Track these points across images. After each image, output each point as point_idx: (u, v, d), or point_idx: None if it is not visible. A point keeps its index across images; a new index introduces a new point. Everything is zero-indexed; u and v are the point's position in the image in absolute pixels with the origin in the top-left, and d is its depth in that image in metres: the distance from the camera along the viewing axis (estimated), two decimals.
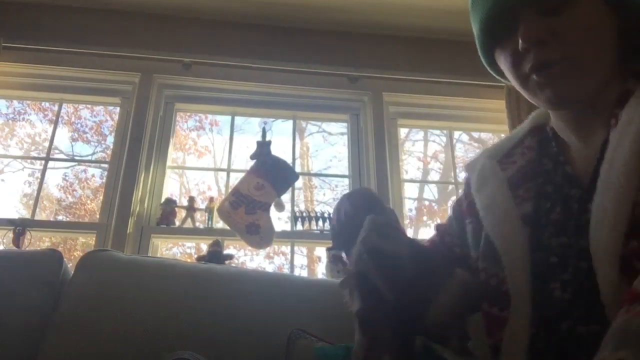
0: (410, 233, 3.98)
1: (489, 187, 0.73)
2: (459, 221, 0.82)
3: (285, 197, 2.05)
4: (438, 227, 0.90)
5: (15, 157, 4.07)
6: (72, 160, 4.40)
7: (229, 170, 2.29)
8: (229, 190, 2.01)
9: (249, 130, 2.79)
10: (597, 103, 0.65)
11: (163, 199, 2.04)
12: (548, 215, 0.65)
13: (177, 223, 1.99)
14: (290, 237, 2.08)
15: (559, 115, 0.71)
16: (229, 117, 2.37)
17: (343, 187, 3.60)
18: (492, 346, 0.66)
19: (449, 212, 0.88)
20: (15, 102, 3.51)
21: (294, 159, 2.29)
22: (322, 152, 4.05)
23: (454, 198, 3.41)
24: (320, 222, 2.06)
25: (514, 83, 0.70)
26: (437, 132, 3.67)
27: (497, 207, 0.70)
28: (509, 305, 0.63)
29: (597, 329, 0.52)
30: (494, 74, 0.78)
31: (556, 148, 0.71)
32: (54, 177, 4.28)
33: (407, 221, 2.53)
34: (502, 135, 2.53)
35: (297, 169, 2.34)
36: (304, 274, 4.42)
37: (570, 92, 0.63)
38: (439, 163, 4.53)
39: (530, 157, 0.73)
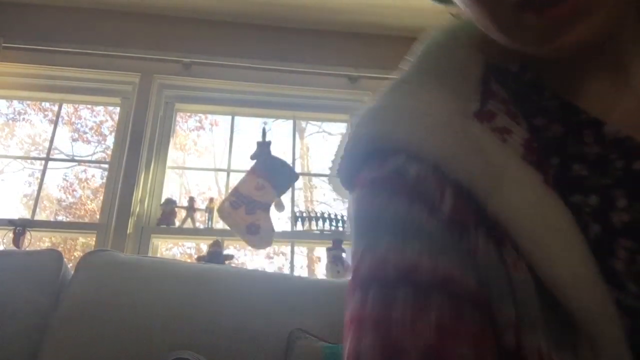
0: None
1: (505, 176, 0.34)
2: (452, 232, 0.35)
3: (285, 197, 2.05)
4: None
5: (15, 157, 4.07)
6: (72, 160, 4.39)
7: (229, 170, 2.29)
8: (229, 190, 2.02)
9: (249, 130, 2.79)
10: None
11: (163, 199, 2.04)
12: (604, 218, 0.34)
13: (177, 223, 1.99)
14: (290, 237, 2.08)
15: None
16: (229, 117, 2.37)
17: None
18: None
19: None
20: (15, 102, 3.51)
21: (294, 159, 2.29)
22: (322, 152, 4.04)
23: None
24: (320, 222, 2.06)
25: (478, 22, 0.38)
26: None
27: (541, 218, 0.33)
28: None
29: None
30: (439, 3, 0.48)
31: (556, 101, 0.39)
32: (54, 177, 4.28)
33: None
34: None
35: (297, 169, 2.34)
36: (304, 274, 4.42)
37: (603, 26, 0.34)
38: None
39: (523, 124, 0.38)
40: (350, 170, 0.41)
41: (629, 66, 0.39)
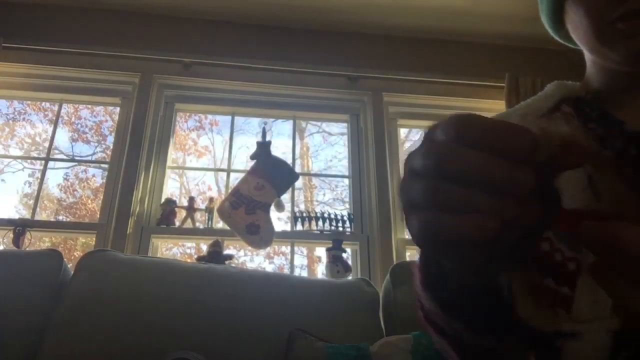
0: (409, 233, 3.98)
1: None
2: None
3: (285, 197, 2.05)
4: None
5: (15, 157, 4.07)
6: (72, 160, 4.39)
7: (229, 171, 2.30)
8: (229, 190, 2.02)
9: (249, 130, 2.79)
10: None
11: (163, 199, 2.04)
12: None
13: (177, 223, 1.99)
14: (290, 237, 2.08)
15: (612, 78, 0.63)
16: (229, 117, 2.37)
17: (343, 187, 3.61)
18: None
19: None
20: (15, 102, 3.51)
21: (294, 159, 2.29)
22: (322, 152, 4.05)
23: None
24: (320, 222, 2.06)
25: (584, 35, 0.60)
26: None
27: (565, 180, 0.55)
28: (570, 282, 0.52)
29: None
30: (556, 37, 0.70)
31: (599, 111, 0.61)
32: (54, 177, 4.28)
33: None
34: None
35: (297, 169, 2.34)
36: (304, 274, 4.42)
37: None
38: None
39: (577, 125, 0.62)
40: None
41: None
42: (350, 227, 2.07)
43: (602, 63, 0.62)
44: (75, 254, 4.09)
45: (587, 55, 0.65)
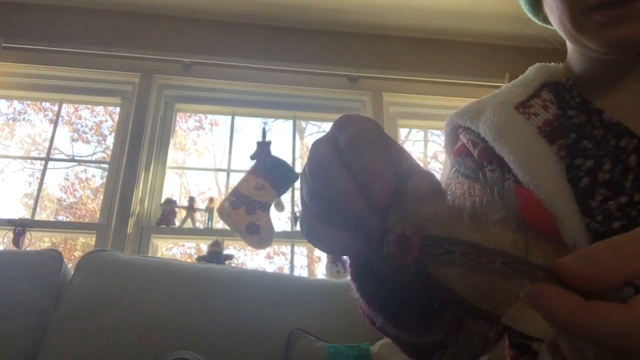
0: None
1: (516, 136, 0.56)
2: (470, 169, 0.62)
3: (286, 197, 2.05)
4: None
5: (15, 157, 4.06)
6: (72, 160, 4.38)
7: (229, 171, 2.29)
8: (229, 190, 2.01)
9: (249, 130, 2.79)
10: None
11: (163, 199, 2.04)
12: (593, 174, 0.52)
13: (177, 223, 1.99)
14: (290, 237, 2.08)
15: (594, 64, 0.62)
16: (229, 117, 2.37)
17: None
18: None
19: (449, 165, 0.68)
20: (15, 102, 3.51)
21: (294, 159, 2.29)
22: None
23: None
24: None
25: (560, 22, 0.59)
26: (437, 132, 3.66)
27: (535, 159, 0.54)
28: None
29: None
30: (535, 20, 0.68)
31: (579, 98, 0.60)
32: (54, 177, 4.28)
33: None
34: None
35: (297, 169, 2.34)
36: (304, 274, 4.41)
37: (636, 35, 0.54)
38: (439, 163, 4.53)
39: (555, 112, 0.60)
40: (450, 135, 0.69)
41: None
42: None
43: (580, 50, 0.61)
44: (75, 254, 4.08)
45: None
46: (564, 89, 0.63)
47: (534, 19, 0.68)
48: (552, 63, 0.68)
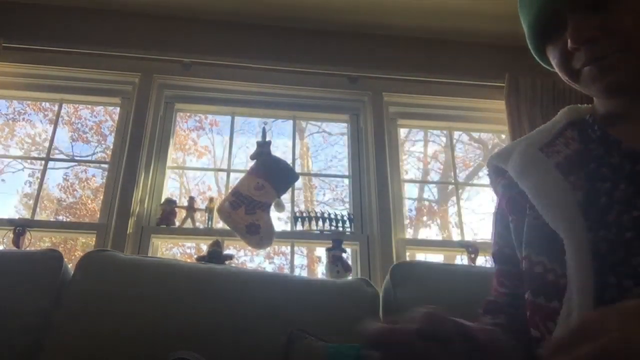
0: (410, 233, 3.98)
1: (536, 174, 0.70)
2: (506, 227, 0.76)
3: (285, 197, 2.05)
4: (493, 257, 0.81)
5: (15, 157, 4.07)
6: (72, 160, 4.39)
7: (229, 171, 2.29)
8: (229, 190, 2.01)
9: (249, 130, 2.79)
10: None
11: (163, 199, 2.04)
12: (610, 194, 0.63)
13: (177, 223, 1.99)
14: (290, 237, 2.08)
15: (610, 102, 0.71)
16: (229, 117, 2.37)
17: (343, 187, 3.60)
18: (537, 338, 0.65)
19: (494, 227, 0.81)
20: (15, 102, 3.51)
21: (294, 159, 2.29)
22: (322, 152, 4.05)
23: (454, 198, 3.41)
24: (320, 222, 2.06)
25: (562, 76, 0.72)
26: (437, 132, 3.67)
27: (550, 191, 0.67)
28: (557, 295, 0.61)
29: None
30: (545, 66, 0.79)
31: (599, 132, 0.70)
32: (54, 177, 4.29)
33: (407, 221, 2.53)
34: (503, 136, 2.53)
35: (297, 169, 2.34)
36: (304, 274, 4.42)
37: (626, 80, 0.64)
38: (439, 163, 4.53)
39: (575, 147, 0.71)
40: (490, 176, 0.83)
41: None
42: (350, 227, 2.07)
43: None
44: (75, 254, 4.09)
45: None
46: (587, 124, 0.74)
47: (541, 63, 0.79)
48: (582, 105, 0.80)
